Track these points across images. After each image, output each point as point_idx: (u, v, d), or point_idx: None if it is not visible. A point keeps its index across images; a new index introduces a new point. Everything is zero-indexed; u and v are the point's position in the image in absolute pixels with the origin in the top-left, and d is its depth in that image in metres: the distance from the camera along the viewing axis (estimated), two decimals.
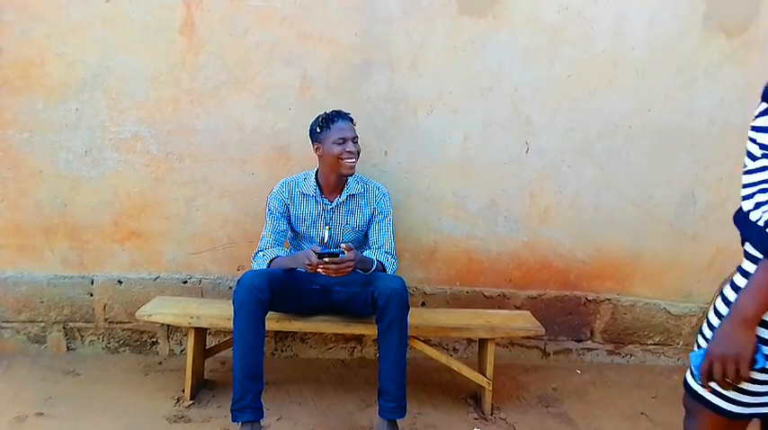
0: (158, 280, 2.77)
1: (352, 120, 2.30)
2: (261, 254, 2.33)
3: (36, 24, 2.52)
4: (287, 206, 2.36)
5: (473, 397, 2.51)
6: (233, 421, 2.04)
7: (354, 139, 2.26)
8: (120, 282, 2.77)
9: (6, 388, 2.46)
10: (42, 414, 2.26)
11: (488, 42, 2.63)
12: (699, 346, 1.28)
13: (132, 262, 2.75)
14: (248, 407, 2.02)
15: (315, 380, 2.62)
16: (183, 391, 2.42)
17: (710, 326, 1.25)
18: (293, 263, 2.22)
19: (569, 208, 2.81)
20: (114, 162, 2.65)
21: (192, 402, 2.39)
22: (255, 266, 2.29)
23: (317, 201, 2.35)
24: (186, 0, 2.52)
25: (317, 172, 2.36)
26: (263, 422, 2.09)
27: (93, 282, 2.77)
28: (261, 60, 2.58)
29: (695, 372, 1.23)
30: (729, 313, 1.17)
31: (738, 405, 1.22)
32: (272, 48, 2.58)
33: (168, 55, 2.56)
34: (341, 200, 2.34)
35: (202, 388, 2.49)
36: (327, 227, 2.37)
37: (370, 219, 2.39)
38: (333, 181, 2.32)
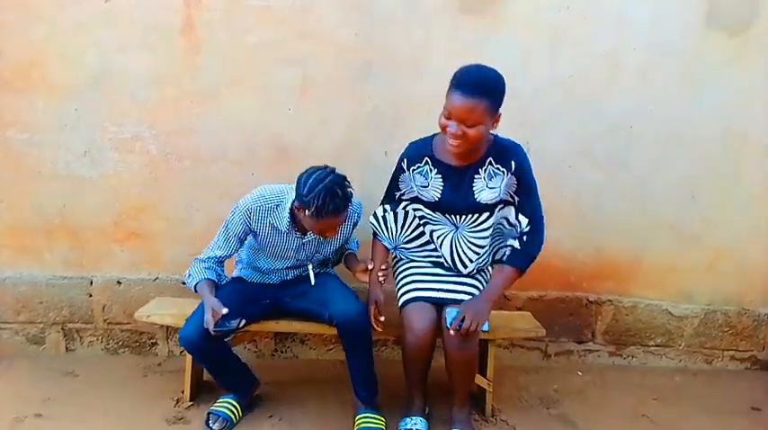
0: (158, 280, 2.76)
1: (346, 212, 2.06)
2: (197, 265, 2.20)
3: (36, 25, 2.52)
4: (248, 232, 2.20)
5: (474, 398, 2.49)
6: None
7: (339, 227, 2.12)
8: (119, 282, 2.76)
9: (5, 389, 2.45)
10: (41, 415, 2.25)
11: (488, 42, 2.62)
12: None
13: (132, 262, 2.75)
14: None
15: (314, 382, 2.61)
16: (183, 392, 2.41)
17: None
18: (205, 301, 2.09)
19: (570, 208, 2.80)
20: (114, 162, 2.65)
21: (191, 403, 2.38)
22: (188, 273, 2.21)
23: (288, 237, 2.20)
24: (186, 0, 2.52)
25: (293, 207, 2.10)
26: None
27: (92, 283, 2.76)
28: (261, 61, 2.58)
29: (449, 321, 2.05)
30: (483, 294, 2.13)
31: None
32: (272, 48, 2.57)
33: (168, 55, 2.56)
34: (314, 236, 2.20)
35: (201, 389, 2.48)
36: (309, 263, 2.27)
37: (344, 240, 2.35)
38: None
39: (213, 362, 2.20)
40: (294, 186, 2.06)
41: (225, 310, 1.99)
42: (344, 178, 2.03)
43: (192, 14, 2.54)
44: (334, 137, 2.66)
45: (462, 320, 2.01)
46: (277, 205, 2.15)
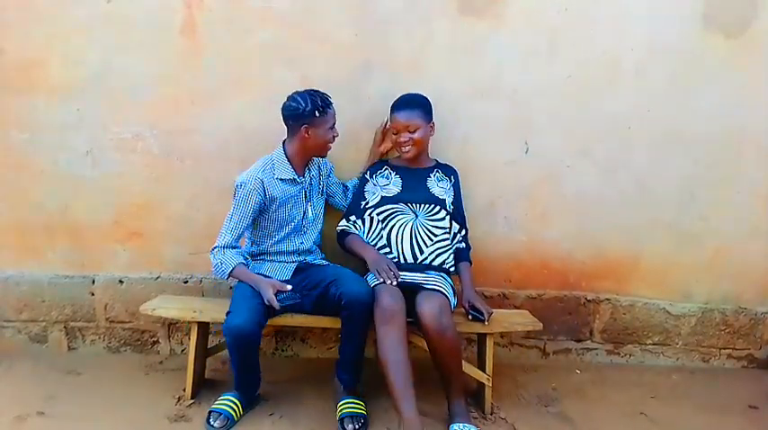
0: (159, 279, 2.78)
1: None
2: (222, 252, 2.27)
3: (37, 25, 2.53)
4: (262, 202, 2.32)
5: (473, 396, 2.52)
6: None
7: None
8: (121, 281, 2.78)
9: (7, 387, 2.47)
10: (43, 413, 2.27)
11: (488, 42, 2.63)
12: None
13: (133, 261, 2.76)
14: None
15: (315, 380, 2.62)
16: (184, 390, 2.43)
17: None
18: (254, 284, 2.22)
19: (569, 208, 2.82)
20: (115, 162, 2.66)
21: (192, 401, 2.39)
22: (217, 262, 2.26)
23: (294, 182, 2.38)
24: (187, 0, 2.53)
25: (285, 152, 2.38)
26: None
27: (94, 282, 2.78)
28: (261, 61, 2.59)
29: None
30: (464, 286, 2.48)
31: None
32: (272, 48, 2.59)
33: (169, 55, 2.57)
34: (310, 174, 2.44)
35: (203, 387, 2.50)
36: (309, 203, 2.44)
37: (327, 183, 2.57)
38: (305, 160, 2.41)
39: (249, 356, 2.21)
40: (268, 155, 2.38)
41: (289, 287, 2.21)
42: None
43: (194, 14, 2.55)
44: None
45: (473, 309, 2.37)
46: (272, 163, 2.36)
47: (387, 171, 2.55)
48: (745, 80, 2.73)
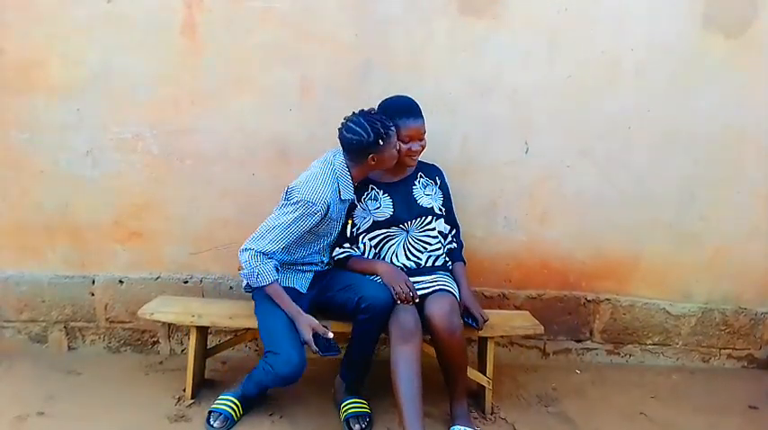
0: (159, 280, 2.78)
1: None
2: (259, 259, 2.09)
3: (37, 25, 2.53)
4: (324, 217, 2.19)
5: (473, 396, 2.52)
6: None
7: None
8: (121, 281, 2.78)
9: (7, 387, 2.47)
10: (43, 413, 2.27)
11: (488, 42, 2.63)
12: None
13: (133, 262, 2.76)
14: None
15: (315, 380, 2.62)
16: (184, 391, 2.43)
17: None
18: (288, 313, 2.11)
19: (569, 208, 2.82)
20: (115, 162, 2.66)
21: (192, 401, 2.40)
22: (252, 268, 2.08)
23: (344, 203, 2.29)
24: (187, 1, 2.53)
25: (350, 174, 2.23)
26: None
27: (94, 282, 2.78)
28: (261, 61, 2.59)
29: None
30: (462, 290, 2.35)
31: None
32: (272, 48, 2.58)
33: (169, 55, 2.57)
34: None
35: (203, 387, 2.50)
36: (350, 220, 2.36)
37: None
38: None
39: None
40: (326, 156, 2.26)
41: (331, 334, 2.06)
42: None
43: (194, 14, 2.55)
44: (334, 137, 2.63)
45: (468, 314, 2.29)
46: (338, 183, 2.21)
47: (374, 191, 2.38)
48: (745, 80, 2.73)
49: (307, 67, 2.61)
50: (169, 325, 2.82)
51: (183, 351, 2.85)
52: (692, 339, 3.03)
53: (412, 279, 2.28)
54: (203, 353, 2.50)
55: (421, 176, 2.45)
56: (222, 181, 2.69)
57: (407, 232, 2.37)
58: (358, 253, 2.39)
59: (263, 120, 2.64)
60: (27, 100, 2.59)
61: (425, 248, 2.38)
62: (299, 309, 2.13)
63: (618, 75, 2.69)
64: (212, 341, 2.70)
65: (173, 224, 2.73)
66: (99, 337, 2.84)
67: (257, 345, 2.87)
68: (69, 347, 2.84)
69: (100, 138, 2.64)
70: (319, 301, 2.30)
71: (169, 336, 2.85)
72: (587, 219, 2.84)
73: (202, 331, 2.46)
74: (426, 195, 2.41)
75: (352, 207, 2.37)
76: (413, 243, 2.37)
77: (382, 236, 2.36)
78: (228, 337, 2.73)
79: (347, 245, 2.39)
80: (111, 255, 2.75)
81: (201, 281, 2.79)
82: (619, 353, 3.03)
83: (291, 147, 2.66)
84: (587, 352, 3.01)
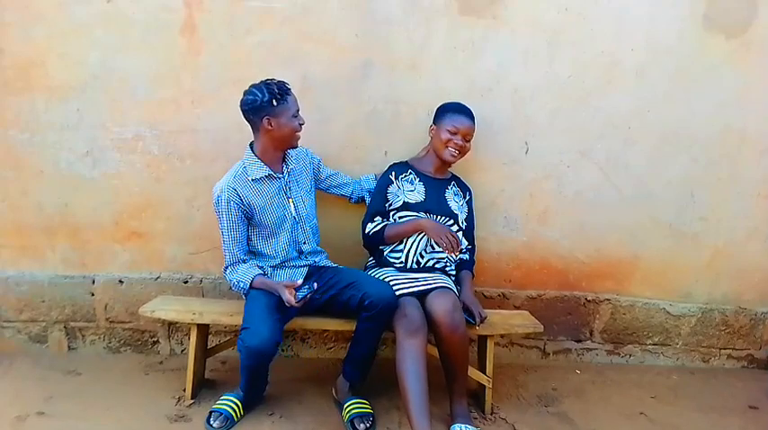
0: (159, 279, 2.78)
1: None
2: (235, 270, 2.27)
3: (37, 25, 2.53)
4: (243, 209, 2.25)
5: (473, 396, 2.52)
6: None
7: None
8: (121, 281, 2.78)
9: (7, 387, 2.47)
10: (43, 413, 2.27)
11: (488, 43, 2.63)
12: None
13: (133, 262, 2.76)
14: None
15: (315, 380, 2.62)
16: (184, 391, 2.43)
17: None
18: (272, 290, 2.19)
19: (569, 208, 2.82)
20: (115, 162, 2.66)
21: (192, 401, 2.40)
22: (234, 281, 2.26)
23: (271, 179, 2.29)
24: (187, 1, 2.53)
25: (253, 152, 2.28)
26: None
27: (94, 282, 2.78)
28: (261, 61, 2.59)
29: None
30: (464, 291, 2.43)
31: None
32: (272, 48, 2.58)
33: (169, 55, 2.57)
34: (288, 169, 2.34)
35: (203, 387, 2.50)
36: (290, 199, 2.35)
37: (313, 175, 2.48)
38: (277, 155, 2.30)
39: (261, 369, 2.22)
40: (239, 161, 2.30)
41: (299, 281, 2.14)
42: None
43: (193, 14, 2.55)
44: (333, 137, 2.68)
45: (466, 311, 2.30)
46: (243, 167, 2.27)
47: (411, 176, 2.49)
48: (745, 80, 2.73)
49: (307, 67, 2.61)
50: (169, 325, 2.82)
51: (182, 351, 2.85)
52: (692, 339, 3.03)
53: (413, 275, 2.33)
54: (203, 352, 2.50)
55: (454, 185, 2.57)
56: None
57: None
58: (391, 222, 2.43)
59: None
60: (27, 100, 2.59)
61: (439, 249, 2.41)
62: (275, 282, 2.20)
63: (618, 75, 2.69)
64: (212, 341, 2.70)
65: (172, 224, 2.73)
66: (99, 337, 2.84)
67: None
68: (69, 347, 2.84)
69: (100, 138, 2.64)
70: (322, 300, 2.30)
71: (169, 336, 2.85)
72: (587, 218, 2.84)
73: (203, 329, 2.46)
74: (455, 202, 2.51)
75: (387, 183, 2.45)
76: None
77: (411, 219, 2.41)
78: (228, 337, 2.73)
79: (378, 219, 2.44)
80: (111, 255, 2.75)
81: (201, 281, 2.79)
82: (619, 354, 3.03)
83: None
84: (587, 352, 3.02)
